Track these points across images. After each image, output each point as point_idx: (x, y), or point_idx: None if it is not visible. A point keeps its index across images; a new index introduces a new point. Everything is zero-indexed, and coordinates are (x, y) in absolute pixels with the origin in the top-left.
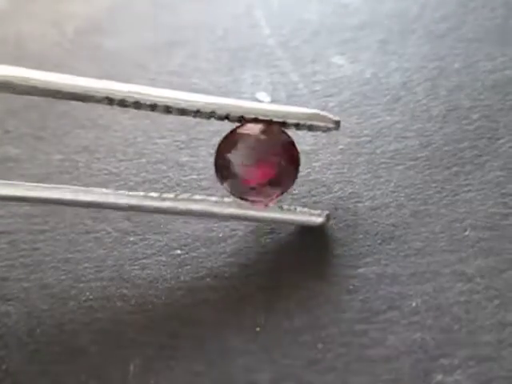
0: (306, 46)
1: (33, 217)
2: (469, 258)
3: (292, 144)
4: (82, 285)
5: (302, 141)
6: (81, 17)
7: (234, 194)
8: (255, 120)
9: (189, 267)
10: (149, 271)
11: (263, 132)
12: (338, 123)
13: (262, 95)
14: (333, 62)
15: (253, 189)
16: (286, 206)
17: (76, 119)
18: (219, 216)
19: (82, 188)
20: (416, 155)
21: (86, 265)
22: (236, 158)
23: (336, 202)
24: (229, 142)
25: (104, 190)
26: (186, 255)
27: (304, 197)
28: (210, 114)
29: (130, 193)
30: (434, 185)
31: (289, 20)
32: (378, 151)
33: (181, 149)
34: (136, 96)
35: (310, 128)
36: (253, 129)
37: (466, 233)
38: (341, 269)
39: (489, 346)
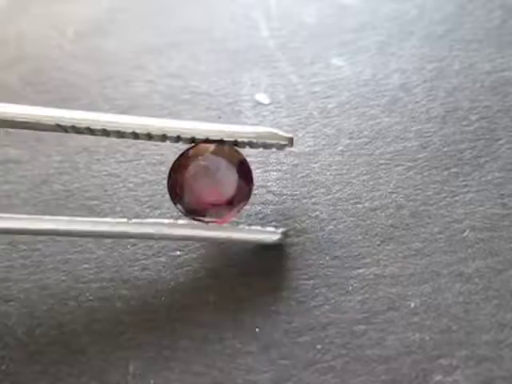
0: (305, 48)
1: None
2: (467, 258)
3: (244, 162)
4: (81, 285)
5: (301, 142)
6: (81, 18)
7: (187, 215)
8: (207, 141)
9: (188, 268)
10: (148, 272)
11: (215, 152)
12: (290, 140)
13: (261, 97)
14: (332, 63)
15: (207, 209)
16: (240, 225)
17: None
18: (172, 238)
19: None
20: (415, 156)
21: (86, 266)
22: (189, 179)
23: (335, 202)
24: (181, 163)
25: (57, 217)
26: (186, 256)
27: (304, 197)
28: (162, 138)
29: (82, 219)
30: (433, 186)
31: (288, 21)
32: (377, 152)
33: (180, 150)
34: (87, 123)
35: (264, 146)
36: (204, 149)
37: (465, 234)
38: (340, 269)
39: (488, 346)
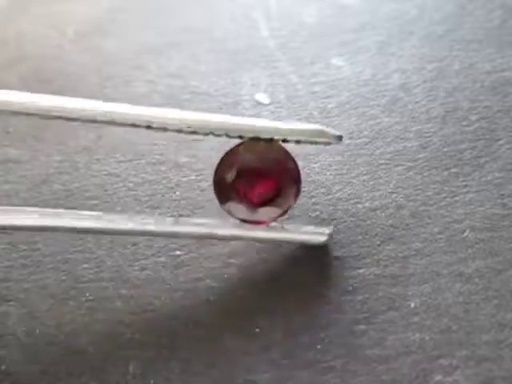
0: (305, 48)
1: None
2: (467, 258)
3: (293, 161)
4: (81, 285)
5: None
6: (81, 18)
7: (234, 216)
8: (255, 138)
9: (188, 268)
10: (148, 272)
11: (263, 150)
12: (340, 138)
13: (261, 97)
14: (332, 63)
15: (253, 209)
16: (287, 226)
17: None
18: (220, 238)
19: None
20: (415, 156)
21: (86, 265)
22: (235, 178)
23: (335, 202)
24: (228, 162)
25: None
26: (186, 256)
27: (304, 197)
28: (208, 133)
29: (131, 217)
30: (433, 186)
31: (288, 21)
32: (377, 152)
33: (180, 150)
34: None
35: (312, 142)
36: (252, 147)
37: (465, 234)
38: (340, 270)
39: (488, 346)
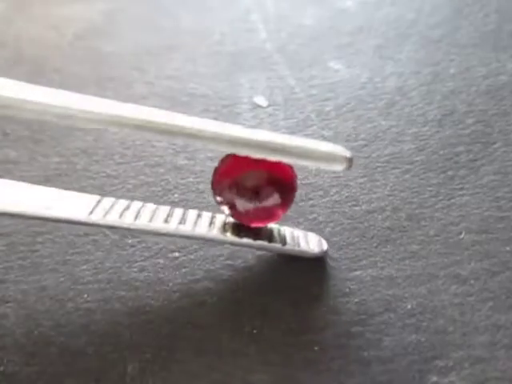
0: (303, 51)
1: (31, 219)
2: (463, 260)
3: (291, 169)
4: (80, 287)
5: None
6: (80, 20)
7: (231, 215)
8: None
9: (186, 270)
10: (146, 273)
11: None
12: (350, 161)
13: (259, 99)
14: (329, 66)
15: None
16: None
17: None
18: (216, 242)
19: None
20: (411, 159)
21: (84, 267)
22: (234, 186)
23: (333, 205)
24: (226, 167)
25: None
26: (184, 258)
27: (301, 200)
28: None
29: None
30: (429, 188)
31: (286, 25)
32: (374, 155)
33: (178, 152)
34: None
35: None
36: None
37: (461, 236)
38: (337, 271)
39: (483, 347)
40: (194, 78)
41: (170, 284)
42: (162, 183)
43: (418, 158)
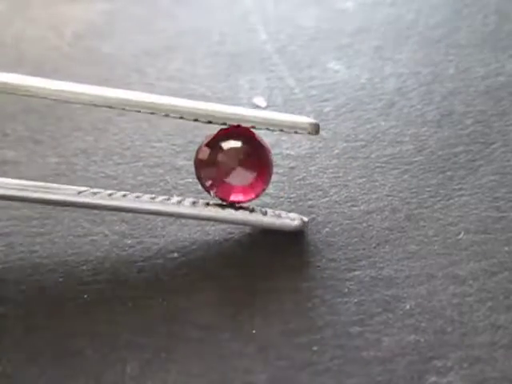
0: (302, 51)
1: (30, 219)
2: (462, 261)
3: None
4: (79, 287)
5: (299, 145)
6: (79, 21)
7: (215, 193)
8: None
9: (185, 270)
10: (146, 274)
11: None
12: (316, 127)
13: (258, 100)
14: (329, 67)
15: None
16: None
17: (74, 122)
18: (198, 217)
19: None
20: (411, 160)
21: (84, 267)
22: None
23: (332, 205)
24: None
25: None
26: (183, 258)
27: (300, 200)
28: (193, 120)
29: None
30: (428, 189)
31: (285, 25)
32: (373, 156)
33: (178, 152)
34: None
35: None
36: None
37: (460, 236)
38: (336, 272)
39: (482, 347)
40: (194, 78)
41: (169, 284)
42: (161, 184)
43: (416, 159)
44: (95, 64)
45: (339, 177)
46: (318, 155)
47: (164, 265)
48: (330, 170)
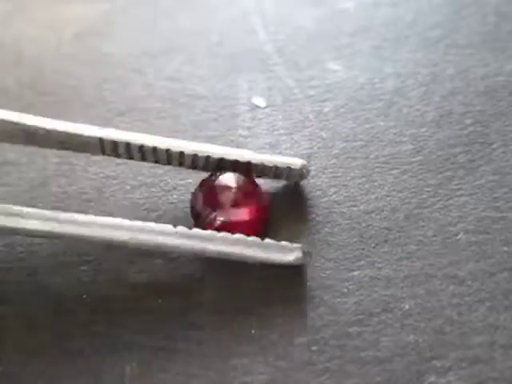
0: (301, 52)
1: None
2: (461, 261)
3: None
4: (78, 287)
5: (297, 145)
6: (79, 21)
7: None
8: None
9: (185, 270)
10: (145, 274)
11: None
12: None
13: (258, 100)
14: (328, 67)
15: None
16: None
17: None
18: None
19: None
20: (410, 160)
21: (83, 267)
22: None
23: (331, 205)
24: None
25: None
26: (182, 258)
27: (299, 200)
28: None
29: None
30: (427, 189)
31: (285, 26)
32: (373, 156)
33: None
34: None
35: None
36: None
37: (459, 236)
38: (335, 272)
39: (480, 347)
40: (193, 79)
41: (169, 285)
42: (161, 184)
43: (416, 159)
44: (95, 64)
45: (338, 177)
46: (316, 155)
47: (164, 265)
48: (329, 170)
